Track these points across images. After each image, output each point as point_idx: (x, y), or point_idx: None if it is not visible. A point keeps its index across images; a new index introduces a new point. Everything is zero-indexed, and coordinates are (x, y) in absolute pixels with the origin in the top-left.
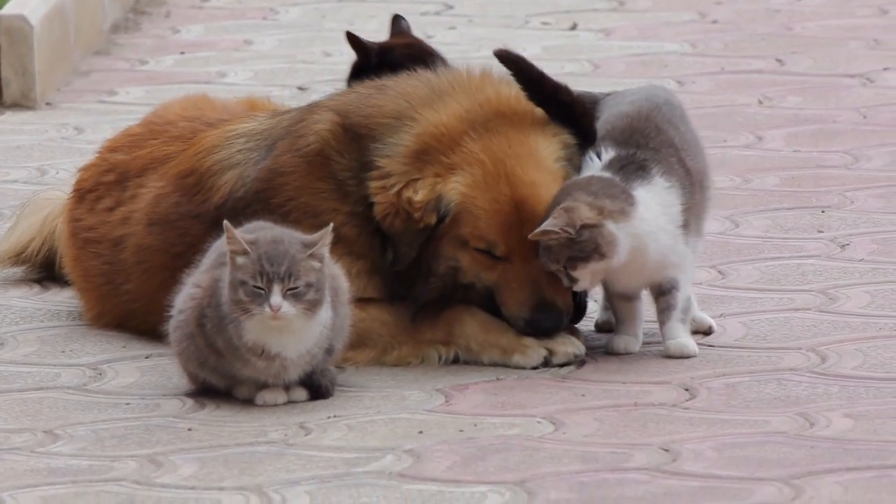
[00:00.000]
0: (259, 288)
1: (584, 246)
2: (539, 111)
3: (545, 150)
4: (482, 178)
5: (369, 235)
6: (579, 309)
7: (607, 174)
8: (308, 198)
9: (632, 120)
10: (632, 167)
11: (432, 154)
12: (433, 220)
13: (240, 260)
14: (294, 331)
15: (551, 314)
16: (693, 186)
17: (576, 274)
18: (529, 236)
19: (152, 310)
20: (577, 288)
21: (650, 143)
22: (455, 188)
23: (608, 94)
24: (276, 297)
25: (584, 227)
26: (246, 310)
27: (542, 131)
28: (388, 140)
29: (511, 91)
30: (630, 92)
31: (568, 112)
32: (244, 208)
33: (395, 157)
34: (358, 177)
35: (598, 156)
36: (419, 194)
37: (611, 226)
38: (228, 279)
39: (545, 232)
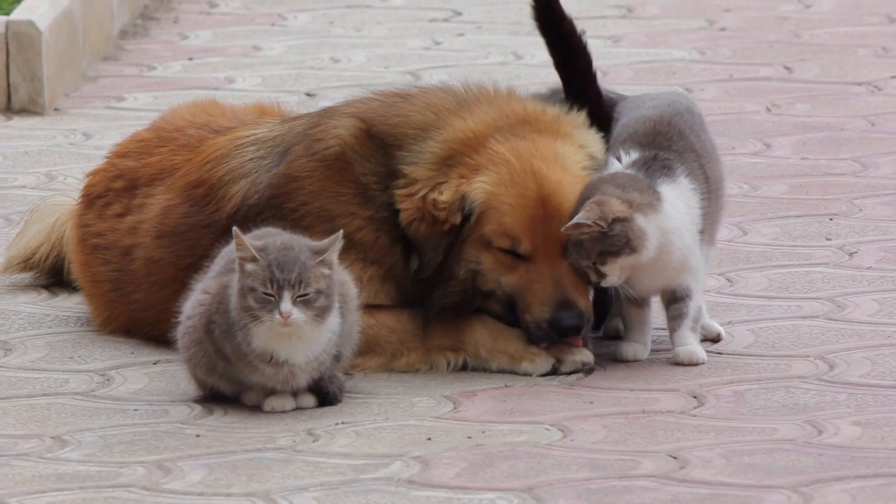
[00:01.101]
0: (269, 295)
1: (616, 240)
2: (565, 123)
3: (571, 156)
4: (508, 176)
5: (388, 242)
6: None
7: (632, 172)
8: (324, 202)
9: (655, 124)
10: (656, 166)
11: (458, 157)
12: (458, 219)
13: (249, 266)
14: (303, 337)
15: (574, 313)
16: (711, 194)
17: (605, 269)
18: (562, 229)
19: (162, 318)
20: (606, 283)
21: (673, 147)
22: (480, 187)
23: (623, 98)
24: (286, 304)
25: (615, 220)
26: (255, 316)
27: (570, 141)
28: (414, 148)
29: (538, 106)
30: (650, 97)
31: (581, 76)
32: (257, 215)
33: (421, 164)
34: (383, 182)
35: (619, 159)
36: (444, 195)
37: (640, 219)
38: (237, 286)
39: (578, 225)
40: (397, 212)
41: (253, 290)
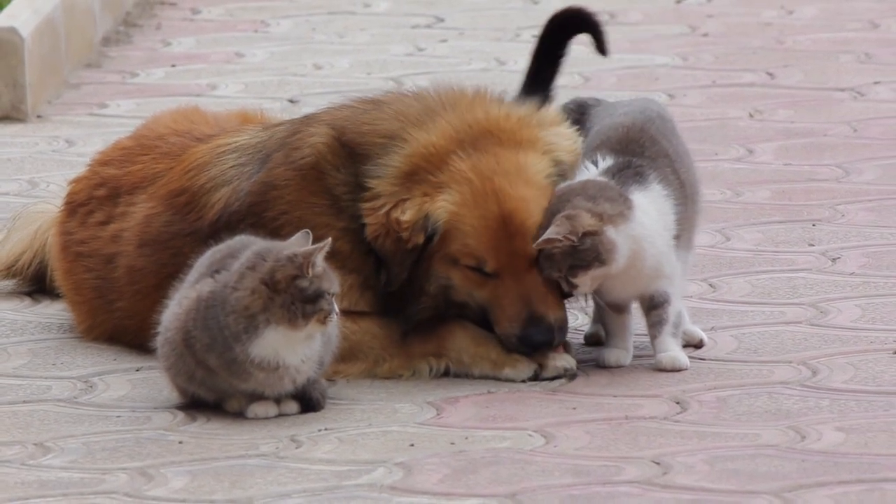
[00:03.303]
0: (331, 295)
1: (586, 254)
2: (528, 127)
3: (534, 166)
4: (470, 196)
5: (363, 252)
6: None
7: (603, 179)
8: (302, 212)
9: (628, 130)
10: (629, 173)
11: (420, 174)
12: (421, 239)
13: (318, 269)
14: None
15: (542, 328)
16: (686, 199)
17: (576, 281)
18: (534, 245)
19: (144, 326)
20: (578, 293)
21: (646, 153)
22: (443, 206)
23: (596, 104)
24: (335, 304)
25: (585, 234)
26: (307, 318)
27: (534, 148)
28: (379, 161)
29: (501, 110)
30: (622, 104)
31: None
32: (238, 222)
33: (385, 178)
34: (353, 193)
35: (595, 164)
36: (406, 214)
37: (611, 232)
38: (300, 293)
39: (548, 240)
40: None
41: (326, 293)
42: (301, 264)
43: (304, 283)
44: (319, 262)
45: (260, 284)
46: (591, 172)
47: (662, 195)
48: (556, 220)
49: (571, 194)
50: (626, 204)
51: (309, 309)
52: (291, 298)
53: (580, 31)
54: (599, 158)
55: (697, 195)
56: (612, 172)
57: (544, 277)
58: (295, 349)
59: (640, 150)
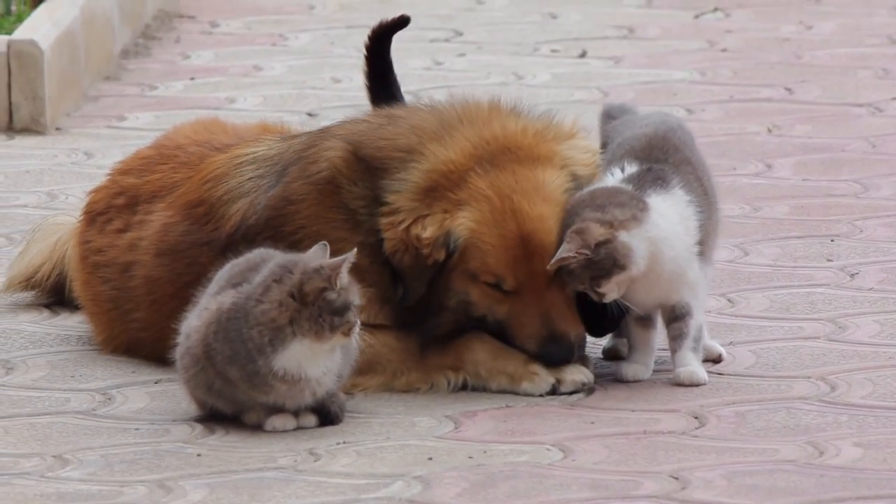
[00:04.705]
0: (356, 307)
1: (603, 263)
2: (545, 142)
3: (552, 183)
4: (489, 214)
5: (380, 265)
6: (613, 320)
7: (618, 184)
8: (319, 227)
9: (650, 139)
10: (649, 177)
11: (440, 191)
12: (442, 255)
13: (344, 280)
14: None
15: (561, 346)
16: (709, 207)
17: (602, 290)
18: (548, 266)
19: (162, 337)
20: (607, 300)
21: (669, 159)
22: (463, 223)
23: (615, 118)
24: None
25: (598, 245)
26: (334, 331)
27: (551, 163)
28: (398, 175)
29: (518, 125)
30: (640, 117)
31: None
32: (256, 235)
33: (404, 193)
34: (370, 208)
35: (622, 170)
36: (427, 231)
37: (624, 237)
38: (329, 306)
39: (562, 259)
40: (383, 238)
41: (353, 305)
42: (329, 276)
43: (332, 296)
44: (345, 274)
45: (287, 297)
46: (614, 179)
47: (684, 200)
48: (567, 236)
49: (580, 207)
50: (639, 206)
51: (337, 321)
52: (319, 311)
53: (392, 35)
54: (626, 166)
55: (718, 205)
56: (633, 178)
57: (567, 291)
58: (318, 361)
59: (663, 157)
